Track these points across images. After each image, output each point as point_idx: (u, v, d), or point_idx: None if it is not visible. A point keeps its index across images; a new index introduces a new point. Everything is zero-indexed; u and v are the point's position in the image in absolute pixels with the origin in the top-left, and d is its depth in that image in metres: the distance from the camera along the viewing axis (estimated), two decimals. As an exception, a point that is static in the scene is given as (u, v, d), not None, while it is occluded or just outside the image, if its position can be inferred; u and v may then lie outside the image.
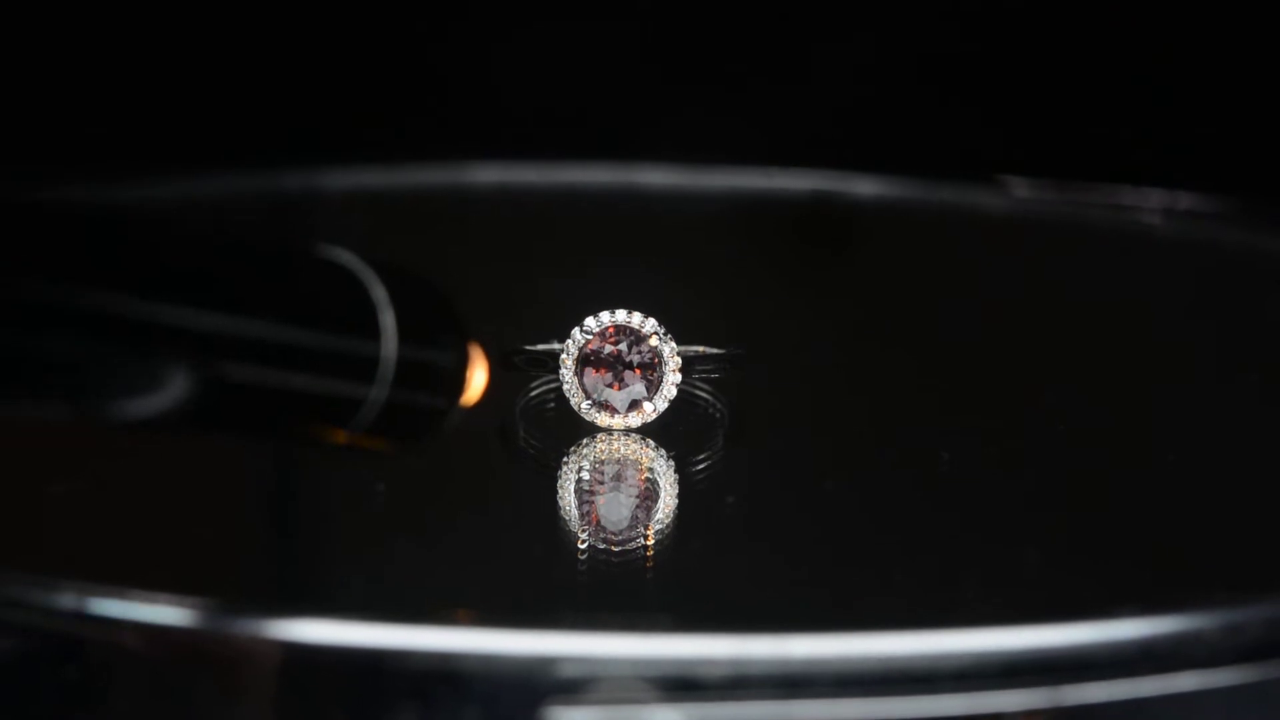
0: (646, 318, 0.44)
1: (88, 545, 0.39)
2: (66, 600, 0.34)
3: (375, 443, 0.37)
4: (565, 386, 0.44)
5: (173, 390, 0.34)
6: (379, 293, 0.36)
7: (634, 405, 0.44)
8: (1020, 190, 0.66)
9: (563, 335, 0.44)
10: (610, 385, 0.44)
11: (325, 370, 0.35)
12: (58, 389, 0.33)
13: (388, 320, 0.36)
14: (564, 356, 0.43)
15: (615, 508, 0.41)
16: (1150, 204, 0.65)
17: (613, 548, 0.39)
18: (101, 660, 0.35)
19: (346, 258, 0.36)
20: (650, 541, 0.40)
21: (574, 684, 0.34)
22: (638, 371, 0.44)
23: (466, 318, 0.40)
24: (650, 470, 0.43)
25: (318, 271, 0.36)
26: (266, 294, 0.35)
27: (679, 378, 0.44)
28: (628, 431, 0.44)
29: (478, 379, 0.38)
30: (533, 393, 0.46)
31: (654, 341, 0.44)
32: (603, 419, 0.44)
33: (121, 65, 0.74)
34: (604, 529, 0.40)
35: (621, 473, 0.43)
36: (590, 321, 0.44)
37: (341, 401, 0.36)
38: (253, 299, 0.35)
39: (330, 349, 0.36)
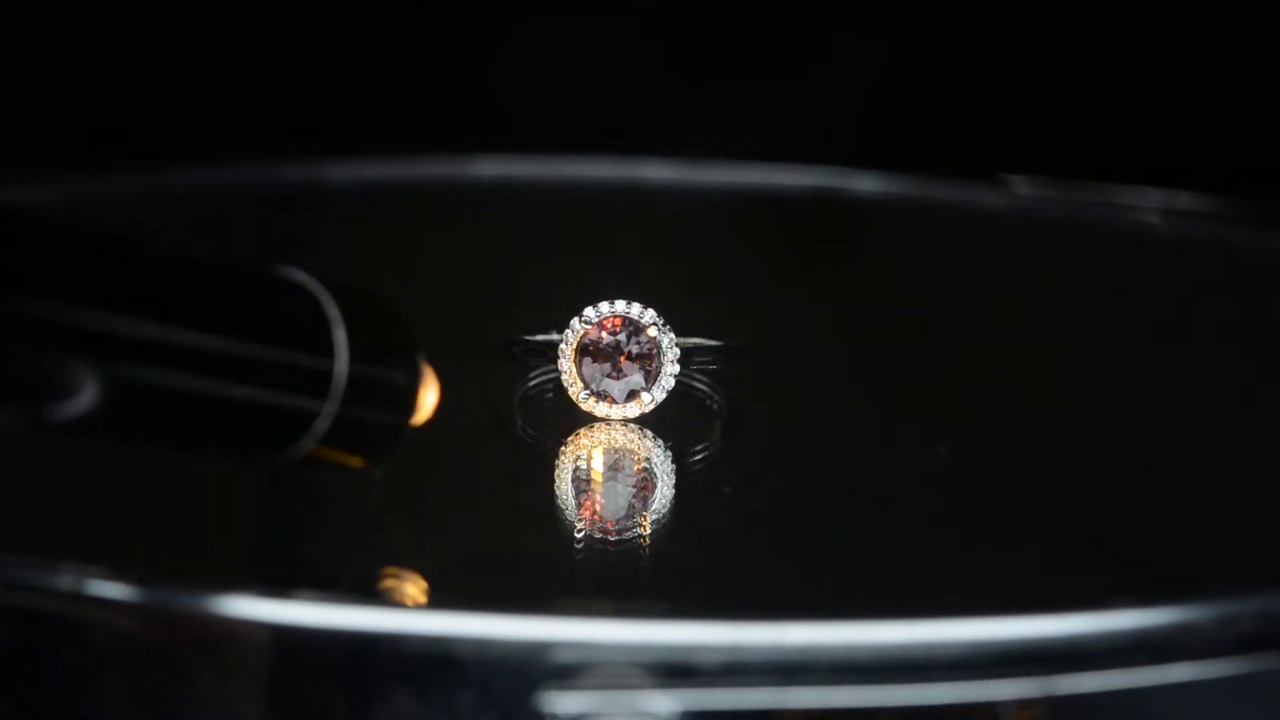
0: (646, 308, 0.44)
1: (85, 528, 0.39)
2: (64, 582, 0.35)
3: (343, 457, 0.37)
4: (564, 376, 0.44)
5: (122, 402, 0.34)
6: (333, 310, 0.36)
7: (632, 395, 0.44)
8: (1020, 188, 0.66)
9: (561, 326, 0.44)
10: (609, 375, 0.44)
11: (278, 386, 0.36)
12: (11, 396, 0.33)
13: (340, 336, 0.36)
14: (563, 346, 0.44)
15: (612, 497, 0.41)
16: (1150, 203, 0.65)
17: (610, 537, 0.39)
18: (98, 642, 0.35)
19: (302, 277, 0.36)
20: (647, 530, 0.40)
21: (569, 669, 0.34)
22: (636, 362, 0.44)
23: (418, 338, 0.40)
24: (648, 460, 0.43)
25: (273, 289, 0.36)
26: (223, 310, 0.35)
27: (677, 369, 0.44)
28: (626, 421, 0.44)
29: (429, 398, 0.38)
30: (531, 382, 0.46)
31: (653, 332, 0.44)
32: (601, 409, 0.44)
33: (125, 58, 0.74)
34: (601, 518, 0.40)
35: (619, 462, 0.43)
36: (589, 311, 0.44)
37: (295, 417, 0.36)
38: (208, 315, 0.35)
39: (284, 365, 0.36)
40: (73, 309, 0.33)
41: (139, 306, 0.34)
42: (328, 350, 0.36)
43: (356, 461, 0.37)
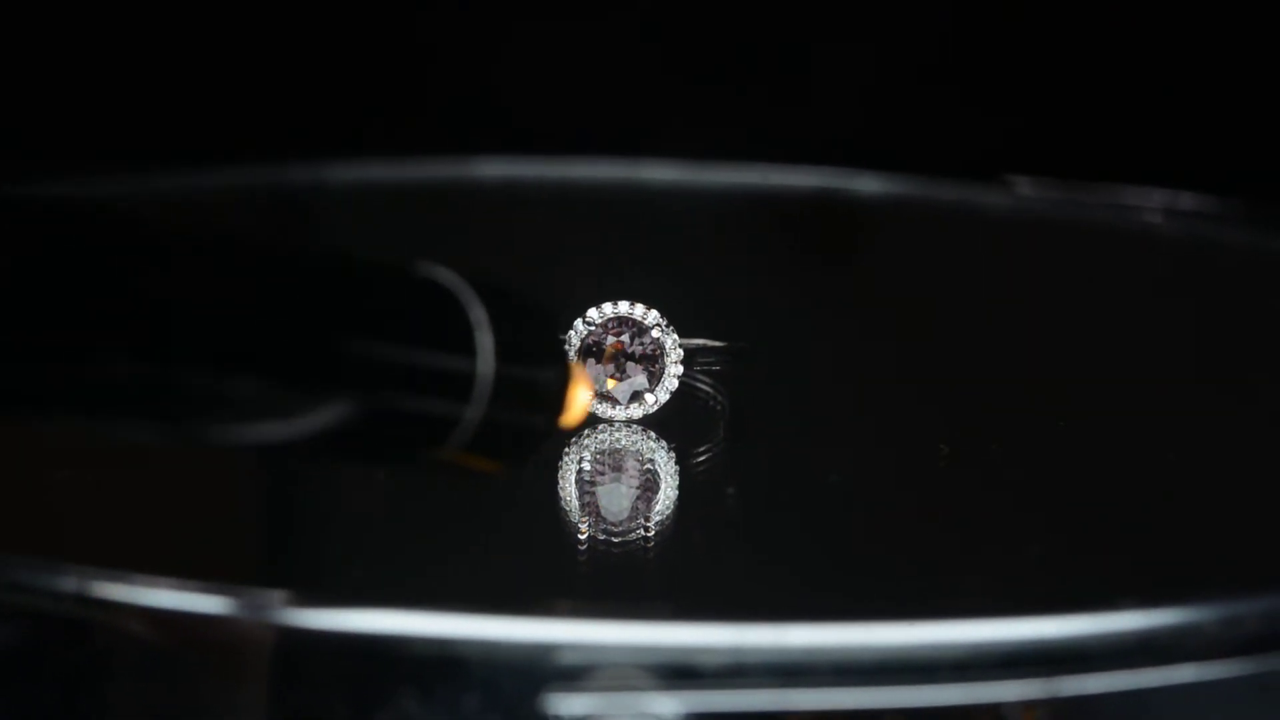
0: (649, 309, 0.44)
1: (91, 530, 0.39)
2: (69, 585, 0.35)
3: (483, 463, 0.37)
4: (567, 377, 0.44)
5: (269, 411, 0.33)
6: (478, 313, 0.36)
7: (635, 397, 0.44)
8: (1023, 189, 0.66)
9: (565, 328, 0.44)
10: (612, 376, 0.44)
11: (422, 389, 0.35)
12: (163, 412, 0.33)
13: (485, 340, 0.35)
14: (566, 347, 0.44)
15: (616, 498, 0.41)
16: (1152, 204, 0.65)
17: (613, 538, 0.39)
18: (104, 645, 0.35)
19: (446, 276, 0.36)
20: (650, 532, 0.40)
21: (573, 671, 0.34)
22: (640, 363, 0.44)
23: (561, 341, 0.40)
24: (651, 461, 0.43)
25: (416, 289, 0.36)
26: (363, 312, 0.35)
27: (681, 370, 0.44)
28: (629, 423, 0.44)
29: (581, 398, 0.38)
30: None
31: (656, 333, 0.44)
32: (604, 410, 0.44)
33: (128, 61, 0.74)
34: (604, 519, 0.40)
35: (622, 463, 0.43)
36: (593, 313, 0.44)
37: (438, 421, 0.35)
38: (350, 317, 0.34)
39: (427, 368, 0.35)
40: (211, 316, 0.32)
41: (279, 308, 0.33)
42: (471, 351, 0.35)
43: (494, 465, 0.37)
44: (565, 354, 0.39)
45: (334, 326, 0.33)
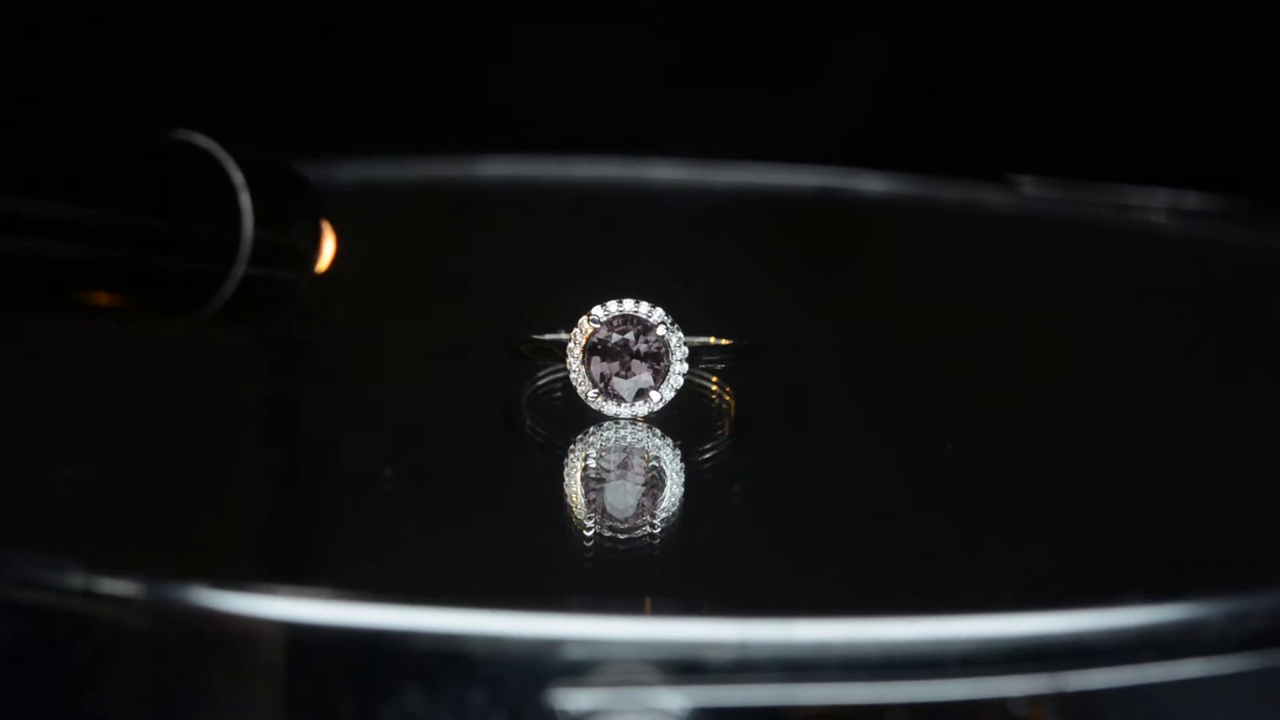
0: (654, 307, 0.44)
1: (95, 525, 0.39)
2: (75, 579, 0.35)
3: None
4: (572, 375, 0.44)
5: (33, 272, 0.35)
6: (237, 176, 0.37)
7: (641, 394, 0.44)
8: (1028, 188, 0.66)
9: (570, 325, 0.44)
10: (617, 374, 0.44)
11: (186, 251, 0.37)
12: None
13: (245, 201, 0.37)
14: (571, 345, 0.44)
15: (622, 496, 0.41)
16: (1157, 203, 0.65)
17: (619, 536, 0.39)
18: (109, 639, 0.35)
19: (204, 141, 0.38)
20: (656, 529, 0.40)
21: (580, 666, 0.34)
22: (645, 361, 0.44)
23: (318, 196, 0.42)
24: (656, 459, 0.43)
25: (178, 155, 0.38)
26: (129, 179, 0.36)
27: (686, 367, 0.44)
28: (634, 420, 0.44)
29: (327, 249, 0.40)
30: (540, 382, 0.46)
31: (661, 331, 0.44)
32: (609, 408, 0.44)
33: (132, 61, 0.74)
34: (610, 517, 0.40)
35: (628, 461, 0.43)
36: (598, 310, 0.44)
37: (201, 278, 0.37)
38: (116, 184, 0.36)
39: (190, 231, 0.37)
40: None
41: (41, 179, 0.34)
42: (235, 214, 0.37)
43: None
44: (316, 210, 0.41)
45: (101, 196, 0.35)
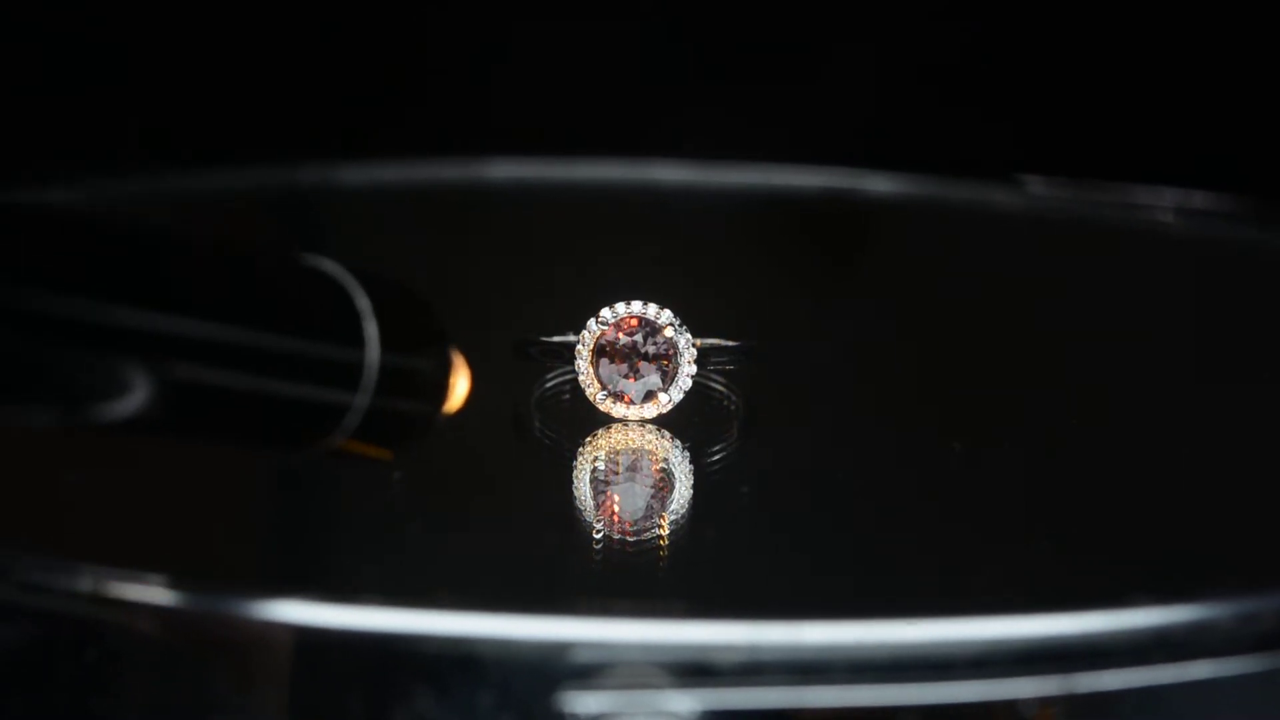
0: (662, 309, 0.44)
1: (104, 530, 0.39)
2: (84, 584, 0.35)
3: (375, 450, 0.37)
4: (581, 377, 0.44)
5: (155, 397, 0.34)
6: (363, 302, 0.36)
7: (649, 396, 0.44)
8: (1035, 188, 0.66)
9: (578, 327, 0.44)
10: (626, 376, 0.44)
11: (309, 378, 0.36)
12: (43, 394, 0.33)
13: (371, 329, 0.36)
14: (579, 347, 0.44)
15: (630, 498, 0.41)
16: (1164, 202, 0.65)
17: (628, 538, 0.39)
18: (118, 643, 0.35)
19: (330, 266, 0.37)
20: (665, 531, 0.40)
21: (589, 669, 0.34)
22: (653, 362, 0.44)
23: (449, 326, 0.41)
24: (665, 460, 0.43)
25: (303, 280, 0.36)
26: (252, 302, 0.35)
27: (694, 369, 0.44)
28: (643, 422, 0.44)
29: (461, 386, 0.39)
30: (548, 384, 0.46)
31: (669, 333, 0.44)
32: (618, 409, 0.44)
33: (138, 63, 0.74)
34: (619, 519, 0.40)
35: (637, 463, 0.43)
36: (606, 312, 0.44)
37: (326, 409, 0.36)
38: (238, 307, 0.35)
39: (314, 357, 0.36)
40: (103, 306, 0.33)
41: (170, 302, 0.34)
42: (358, 341, 0.36)
43: (384, 453, 0.37)
44: (446, 342, 0.40)
45: (224, 316, 0.34)
